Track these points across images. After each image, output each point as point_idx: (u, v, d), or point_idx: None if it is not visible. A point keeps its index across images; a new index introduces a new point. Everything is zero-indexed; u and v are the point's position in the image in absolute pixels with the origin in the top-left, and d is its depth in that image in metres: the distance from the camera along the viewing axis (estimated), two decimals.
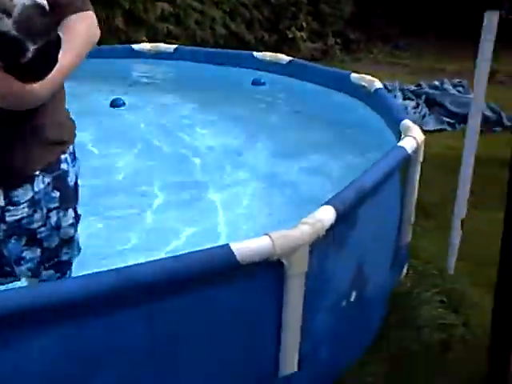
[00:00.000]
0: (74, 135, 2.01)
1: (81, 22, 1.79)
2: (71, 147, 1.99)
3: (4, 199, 1.84)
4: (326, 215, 2.15)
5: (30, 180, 1.86)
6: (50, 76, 1.63)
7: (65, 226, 2.00)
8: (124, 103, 5.26)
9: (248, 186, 3.97)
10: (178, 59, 5.92)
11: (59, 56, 1.62)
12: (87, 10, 1.82)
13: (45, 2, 1.60)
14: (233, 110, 5.19)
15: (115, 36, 8.16)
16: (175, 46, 6.13)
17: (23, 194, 1.85)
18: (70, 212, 2.01)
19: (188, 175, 4.11)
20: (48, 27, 1.58)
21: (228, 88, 5.47)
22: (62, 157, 1.94)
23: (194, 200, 3.79)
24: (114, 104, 5.29)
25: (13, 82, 1.58)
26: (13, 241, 1.91)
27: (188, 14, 8.87)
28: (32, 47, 1.53)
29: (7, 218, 1.86)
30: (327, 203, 2.22)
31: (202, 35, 9.07)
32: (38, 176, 1.87)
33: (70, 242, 2.05)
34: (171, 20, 8.74)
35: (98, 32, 1.86)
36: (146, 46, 6.13)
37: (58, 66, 1.63)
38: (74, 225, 2.05)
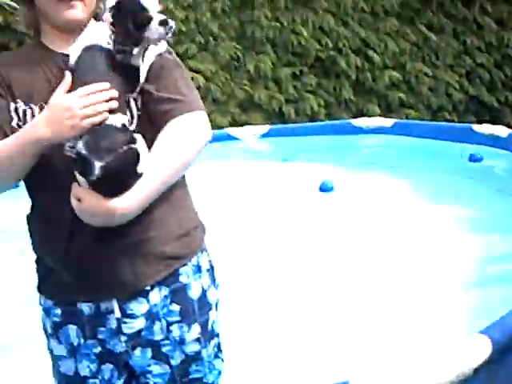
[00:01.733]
0: (200, 245, 1.86)
1: (183, 125, 1.70)
2: (195, 258, 1.85)
3: (120, 311, 1.81)
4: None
5: (144, 293, 1.77)
6: (136, 189, 1.61)
7: (189, 341, 1.90)
8: (332, 188, 5.06)
9: None
10: (396, 134, 5.74)
11: (144, 167, 1.60)
12: (193, 110, 1.72)
13: (119, 120, 1.62)
14: (449, 190, 4.79)
15: (345, 108, 8.21)
16: (394, 120, 5.96)
17: (138, 307, 1.76)
18: (195, 327, 1.91)
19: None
20: (117, 144, 1.59)
21: (443, 165, 5.11)
22: (181, 269, 1.80)
23: None
24: (323, 188, 5.10)
25: (94, 198, 1.60)
26: (138, 352, 1.86)
27: (420, 80, 8.61)
28: (99, 164, 1.56)
29: (125, 330, 1.82)
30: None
31: (437, 102, 8.72)
32: (152, 289, 1.78)
33: (197, 359, 1.94)
34: (402, 87, 8.55)
35: (206, 134, 1.73)
36: (364, 121, 6.02)
37: (149, 177, 1.61)
38: (201, 340, 1.94)
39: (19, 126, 1.69)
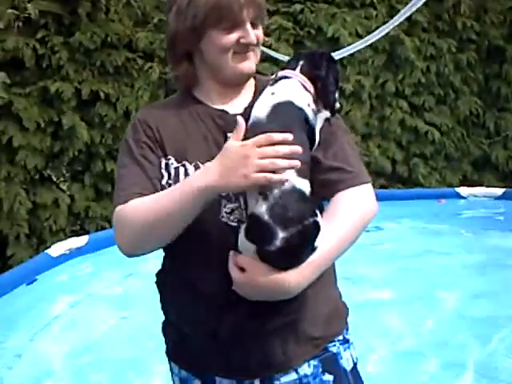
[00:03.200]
0: (345, 322, 1.73)
1: (353, 199, 1.56)
2: (341, 335, 1.70)
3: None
4: None
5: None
6: (306, 265, 1.45)
7: None
8: None
9: None
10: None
11: (319, 242, 1.45)
12: (362, 183, 1.59)
13: (306, 187, 1.46)
14: None
15: None
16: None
17: (286, 378, 1.61)
18: None
19: None
20: (303, 215, 1.42)
21: None
22: (329, 345, 1.66)
23: None
24: None
25: (263, 270, 1.44)
26: None
27: None
28: (282, 235, 1.40)
29: None
30: None
31: None
32: (300, 366, 1.62)
33: None
34: None
35: (374, 208, 1.59)
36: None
37: (320, 252, 1.46)
38: None
39: (169, 185, 1.56)
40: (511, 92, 7.12)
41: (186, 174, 1.57)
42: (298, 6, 6.51)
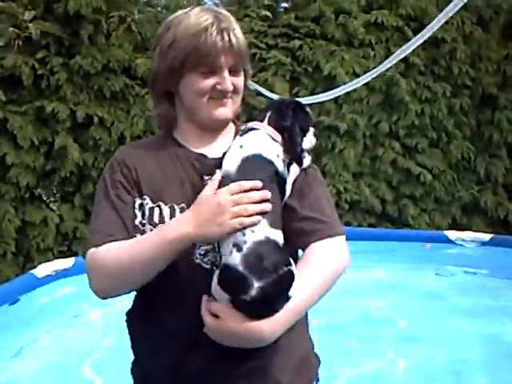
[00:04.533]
0: (315, 374, 1.72)
1: (326, 251, 1.58)
2: None
3: None
4: None
5: None
6: (280, 314, 1.46)
7: None
8: None
9: None
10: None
11: (294, 291, 1.46)
12: (336, 234, 1.61)
13: (279, 237, 1.49)
14: None
15: None
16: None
17: None
18: None
19: None
20: (278, 264, 1.44)
21: None
22: None
23: None
24: None
25: (237, 318, 1.44)
26: None
27: None
28: (257, 285, 1.40)
29: None
30: None
31: None
32: None
33: None
34: None
35: (346, 260, 1.61)
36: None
37: (291, 302, 1.47)
38: None
39: (143, 225, 1.58)
40: (503, 139, 7.21)
41: (161, 214, 1.59)
42: (297, 42, 6.60)
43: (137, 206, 1.61)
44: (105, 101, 5.91)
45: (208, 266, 1.55)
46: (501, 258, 5.69)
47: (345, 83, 6.31)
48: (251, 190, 1.48)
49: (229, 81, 1.61)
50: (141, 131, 5.95)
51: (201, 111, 1.64)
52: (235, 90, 1.64)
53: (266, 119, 1.61)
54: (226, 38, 1.58)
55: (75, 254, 5.27)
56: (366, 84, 6.69)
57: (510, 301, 4.62)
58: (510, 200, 7.30)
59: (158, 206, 1.60)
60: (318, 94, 6.50)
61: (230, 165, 1.53)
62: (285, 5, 6.93)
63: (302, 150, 1.62)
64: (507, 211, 7.21)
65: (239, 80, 1.65)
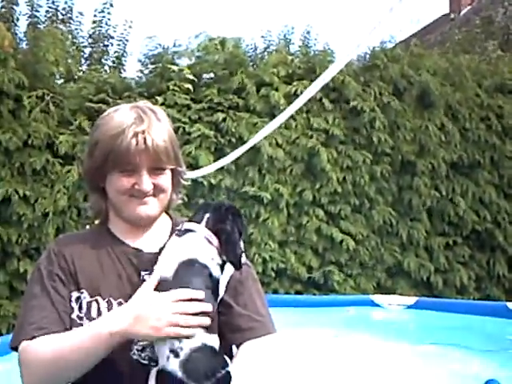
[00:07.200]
0: None
1: (258, 350, 1.66)
2: None
3: None
4: None
5: None
6: None
7: None
8: None
9: None
10: None
11: None
12: (268, 333, 1.69)
13: (215, 342, 1.54)
14: None
15: (496, 284, 7.76)
16: None
17: None
18: None
19: None
20: (216, 368, 1.49)
21: None
22: None
23: None
24: None
25: None
26: None
27: None
28: None
29: None
30: None
31: None
32: None
33: None
34: None
35: (271, 360, 1.70)
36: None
37: None
38: None
39: (80, 318, 1.60)
40: (422, 203, 7.47)
41: (99, 309, 1.61)
42: (220, 115, 6.72)
43: (73, 299, 1.63)
44: (27, 177, 5.86)
45: (146, 362, 1.57)
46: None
47: (269, 156, 6.49)
48: (192, 300, 1.51)
49: (147, 181, 1.66)
50: (65, 206, 5.90)
51: (123, 209, 1.69)
52: (158, 189, 1.68)
53: (204, 221, 1.65)
54: (141, 140, 1.62)
55: None
56: (288, 153, 6.89)
57: None
58: (432, 261, 7.52)
59: (96, 301, 1.62)
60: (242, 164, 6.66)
61: (167, 269, 1.57)
62: (207, 76, 7.04)
63: (241, 253, 1.67)
64: (429, 272, 7.42)
65: (162, 179, 1.69)
